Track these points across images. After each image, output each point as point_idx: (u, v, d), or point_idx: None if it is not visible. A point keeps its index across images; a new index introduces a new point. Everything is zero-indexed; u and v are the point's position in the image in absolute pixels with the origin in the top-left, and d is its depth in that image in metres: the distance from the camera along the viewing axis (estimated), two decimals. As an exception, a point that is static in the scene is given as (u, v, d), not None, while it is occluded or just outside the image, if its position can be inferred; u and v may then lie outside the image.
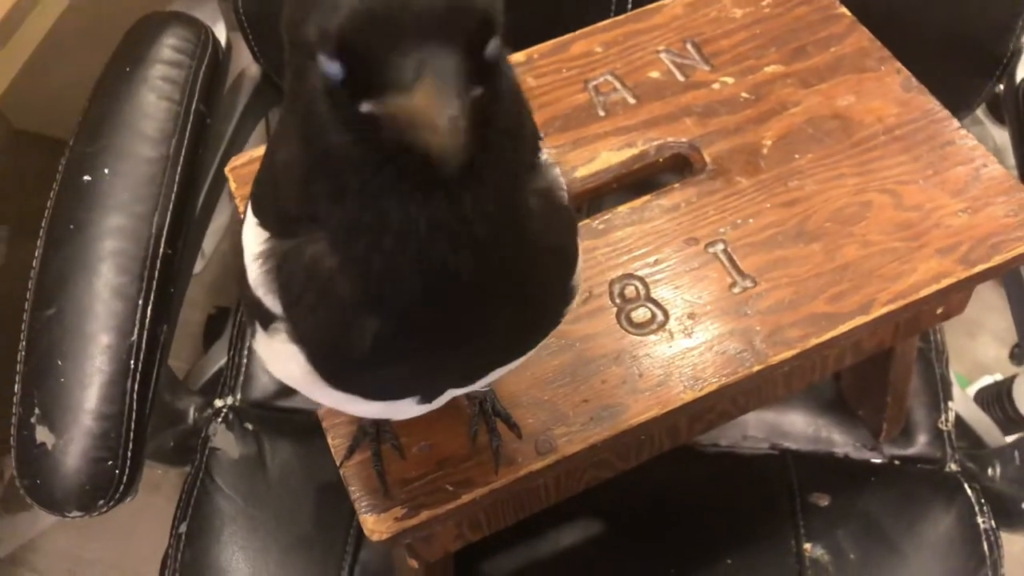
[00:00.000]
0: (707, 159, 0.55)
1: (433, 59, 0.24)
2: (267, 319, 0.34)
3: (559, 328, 0.48)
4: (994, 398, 1.02)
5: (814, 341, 0.48)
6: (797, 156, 0.55)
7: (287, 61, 0.29)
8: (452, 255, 0.29)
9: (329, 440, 0.47)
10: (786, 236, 0.52)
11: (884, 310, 0.49)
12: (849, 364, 0.59)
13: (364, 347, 0.31)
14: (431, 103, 0.24)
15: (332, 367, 0.34)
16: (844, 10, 0.61)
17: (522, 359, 0.38)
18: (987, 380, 1.10)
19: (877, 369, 0.67)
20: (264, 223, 0.34)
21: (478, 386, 0.38)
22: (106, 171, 0.65)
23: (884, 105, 0.57)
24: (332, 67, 0.26)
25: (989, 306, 1.24)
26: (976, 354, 1.24)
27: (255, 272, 0.33)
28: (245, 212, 0.36)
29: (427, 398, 0.37)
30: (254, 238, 0.34)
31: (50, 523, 1.12)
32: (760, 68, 0.59)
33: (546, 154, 0.35)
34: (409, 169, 0.27)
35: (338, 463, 0.46)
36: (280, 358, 0.34)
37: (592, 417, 0.46)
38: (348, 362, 0.33)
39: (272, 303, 0.33)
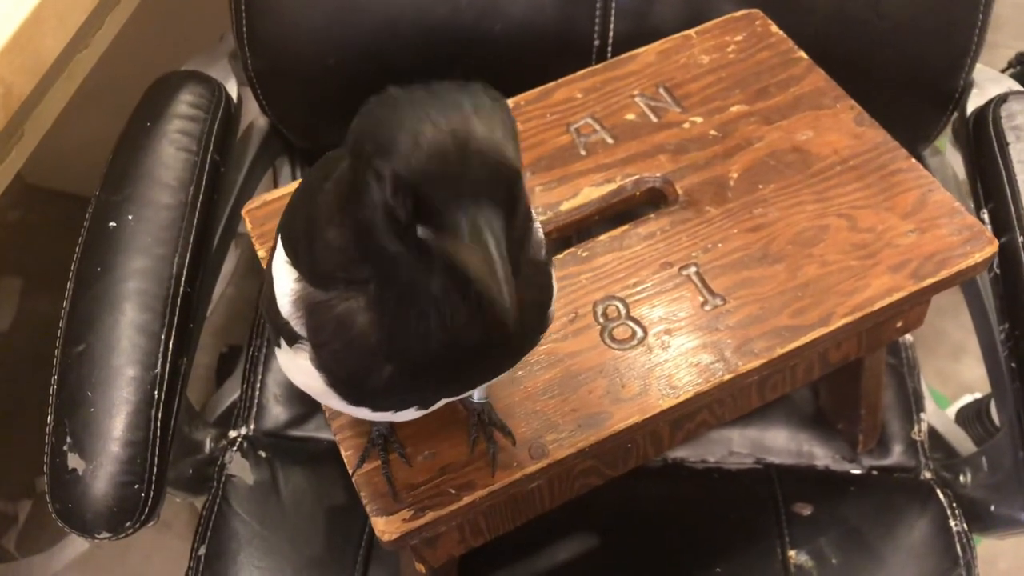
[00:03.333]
0: (679, 191, 0.61)
1: (482, 215, 0.32)
2: (293, 338, 0.39)
3: (550, 346, 0.54)
4: (974, 415, 1.06)
5: (779, 351, 0.52)
6: (761, 186, 0.60)
7: (349, 166, 0.35)
8: (471, 327, 0.36)
9: (342, 451, 0.52)
10: (752, 258, 0.57)
11: (842, 322, 0.54)
12: (819, 375, 0.64)
13: (380, 384, 0.38)
14: (484, 257, 0.31)
15: (348, 392, 0.40)
16: (802, 54, 0.68)
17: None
18: (968, 398, 1.14)
19: (851, 383, 0.71)
20: (296, 266, 0.40)
21: (468, 394, 0.44)
22: (130, 217, 0.71)
23: (839, 139, 0.62)
24: (397, 201, 0.33)
25: (971, 329, 1.29)
26: (961, 376, 1.28)
27: (287, 306, 0.39)
28: (274, 247, 0.42)
29: (425, 406, 0.43)
30: (286, 274, 0.40)
31: (64, 564, 1.15)
32: (726, 108, 0.65)
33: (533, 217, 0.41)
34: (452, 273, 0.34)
35: (350, 471, 0.51)
36: (302, 372, 0.40)
37: (580, 424, 0.51)
38: (364, 392, 0.40)
39: (300, 330, 0.39)
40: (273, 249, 0.42)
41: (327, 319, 0.38)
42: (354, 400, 0.41)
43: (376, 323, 0.37)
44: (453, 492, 0.48)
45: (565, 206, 0.61)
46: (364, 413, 0.42)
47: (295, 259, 0.40)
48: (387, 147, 0.32)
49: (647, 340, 0.54)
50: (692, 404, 0.52)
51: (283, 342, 0.41)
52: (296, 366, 0.40)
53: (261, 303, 0.52)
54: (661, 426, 0.55)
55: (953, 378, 1.27)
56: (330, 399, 0.41)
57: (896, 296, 0.54)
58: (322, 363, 0.39)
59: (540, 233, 0.43)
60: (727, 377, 0.52)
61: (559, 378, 0.53)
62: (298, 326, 0.39)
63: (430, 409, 0.43)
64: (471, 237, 0.31)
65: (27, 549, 1.18)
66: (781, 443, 0.77)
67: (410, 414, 0.42)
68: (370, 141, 0.33)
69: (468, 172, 0.31)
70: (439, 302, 0.35)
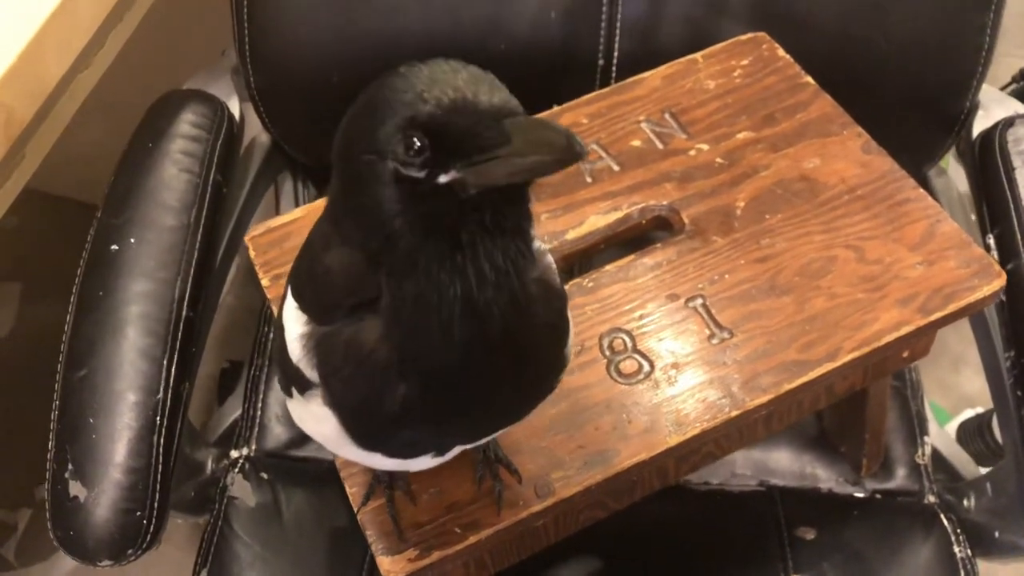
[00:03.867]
0: (686, 220, 0.60)
1: (514, 121, 0.32)
2: (305, 386, 0.39)
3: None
4: (976, 430, 1.06)
5: (787, 387, 0.52)
6: (768, 216, 0.60)
7: (339, 180, 0.35)
8: (488, 321, 0.35)
9: (347, 489, 0.51)
10: (759, 290, 0.57)
11: (850, 357, 0.53)
12: (824, 406, 0.64)
13: (394, 409, 0.37)
14: (542, 131, 0.31)
15: (361, 428, 0.39)
16: (809, 79, 0.67)
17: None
18: (969, 414, 1.14)
19: (855, 408, 0.71)
20: (304, 309, 0.39)
21: (483, 442, 0.43)
22: (132, 240, 0.70)
23: (847, 167, 0.62)
24: (419, 144, 0.32)
25: (971, 340, 1.29)
26: (961, 388, 1.28)
27: (297, 349, 0.39)
28: (284, 297, 0.41)
29: (440, 453, 0.42)
30: (295, 321, 0.39)
31: (63, 574, 1.15)
32: (733, 135, 0.64)
33: (539, 243, 0.40)
34: (469, 233, 0.33)
35: (355, 509, 0.50)
36: (314, 419, 0.39)
37: (586, 462, 0.51)
38: (376, 423, 0.38)
39: (311, 374, 0.38)
40: (283, 299, 0.42)
41: (335, 345, 0.38)
42: (366, 439, 0.39)
43: (389, 335, 0.36)
44: (459, 531, 0.48)
45: (571, 235, 0.61)
46: (377, 460, 0.41)
47: (301, 302, 0.39)
48: (390, 108, 0.32)
49: (654, 375, 0.54)
50: (699, 440, 0.52)
51: (295, 392, 0.40)
52: (308, 413, 0.40)
53: (273, 355, 0.51)
54: (667, 460, 0.54)
55: (954, 390, 1.27)
56: (343, 446, 0.40)
57: (904, 331, 0.54)
58: (333, 395, 0.38)
59: (549, 257, 0.42)
60: (734, 413, 0.52)
61: (565, 413, 0.52)
62: (308, 368, 0.39)
63: (445, 457, 0.43)
64: (525, 130, 0.31)
65: (26, 559, 1.18)
66: (784, 465, 0.77)
67: (424, 462, 0.42)
68: (365, 119, 0.33)
69: (480, 99, 0.31)
70: (464, 275, 0.33)
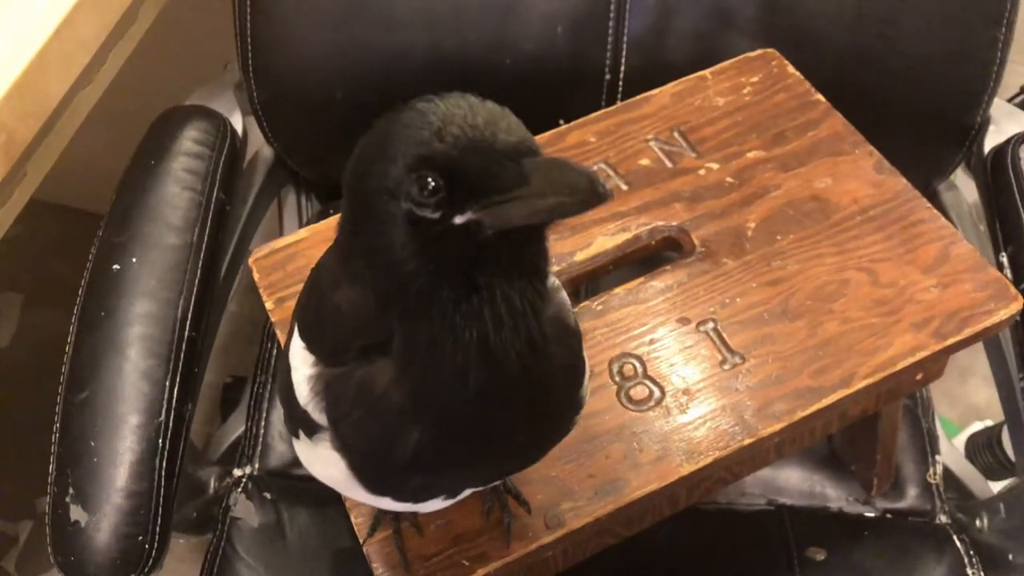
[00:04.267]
0: (696, 242, 0.60)
1: (532, 161, 0.31)
2: (313, 429, 0.38)
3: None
4: (984, 443, 1.05)
5: (800, 414, 0.51)
6: (779, 237, 0.59)
7: (350, 216, 0.34)
8: (505, 365, 0.33)
9: (352, 519, 0.51)
10: (771, 314, 0.56)
11: (864, 383, 0.52)
12: (837, 429, 0.63)
13: (406, 455, 0.35)
14: (563, 172, 0.30)
15: (372, 473, 0.38)
16: (819, 97, 0.66)
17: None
18: (978, 426, 1.13)
19: (866, 428, 0.70)
20: (311, 350, 0.38)
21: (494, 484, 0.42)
22: (134, 260, 0.69)
23: (859, 187, 0.61)
24: (434, 184, 0.31)
25: (978, 350, 1.28)
26: (968, 398, 1.27)
27: (305, 391, 0.38)
28: (290, 335, 0.40)
29: (451, 496, 0.41)
30: (303, 361, 0.38)
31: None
32: (743, 154, 0.63)
33: (553, 279, 0.39)
34: (485, 275, 0.32)
35: (361, 541, 0.49)
36: (322, 462, 0.38)
37: (597, 492, 0.50)
38: (387, 469, 0.37)
39: (319, 417, 0.37)
40: (289, 335, 0.41)
41: (346, 389, 0.36)
42: (376, 484, 0.39)
43: (401, 378, 0.35)
44: (467, 564, 0.47)
45: (579, 256, 0.60)
46: (387, 503, 0.40)
47: (310, 342, 0.38)
48: (403, 146, 0.31)
49: (665, 401, 0.53)
50: (710, 469, 0.51)
51: (302, 434, 0.39)
52: (316, 456, 0.39)
53: (278, 392, 0.50)
54: (679, 489, 0.54)
55: (961, 400, 1.26)
56: (352, 488, 0.39)
57: (919, 356, 0.53)
58: (342, 440, 0.37)
59: (563, 293, 0.41)
60: (747, 442, 0.51)
61: (575, 442, 0.52)
62: (316, 411, 0.38)
63: (456, 499, 0.42)
64: (544, 171, 0.30)
65: (28, 571, 1.17)
66: (794, 483, 0.76)
67: (435, 504, 0.41)
68: (378, 157, 0.32)
69: (498, 138, 0.31)
70: (480, 318, 0.32)
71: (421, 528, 0.49)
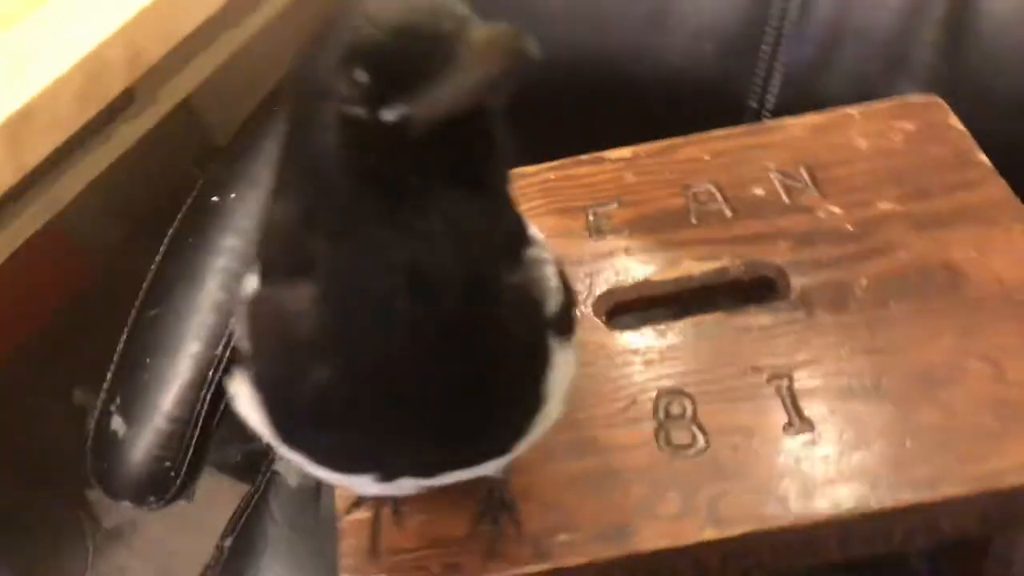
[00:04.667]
0: (793, 287, 0.52)
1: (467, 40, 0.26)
2: (240, 361, 0.34)
3: (595, 432, 0.46)
4: None
5: (859, 511, 0.43)
6: (892, 303, 0.50)
7: (288, 122, 0.30)
8: (436, 297, 0.29)
9: (336, 491, 0.47)
10: (860, 387, 0.47)
11: (953, 492, 0.43)
12: (927, 545, 0.53)
13: (309, 395, 0.31)
14: (490, 41, 0.26)
15: (279, 418, 0.33)
16: (984, 158, 0.57)
17: (484, 469, 0.36)
18: None
19: (970, 564, 0.59)
20: (257, 271, 0.35)
21: (437, 483, 0.37)
22: (233, 196, 0.70)
23: (1007, 266, 0.51)
24: (363, 76, 0.27)
25: None
26: None
27: (240, 315, 0.34)
28: None
29: (384, 478, 0.35)
30: (249, 284, 0.35)
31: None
32: (873, 203, 0.55)
33: (541, 252, 0.34)
34: (417, 182, 0.28)
35: (339, 514, 0.46)
36: (244, 402, 0.35)
37: (600, 533, 0.43)
38: (293, 413, 0.33)
39: (245, 346, 0.34)
40: None
41: (264, 313, 0.33)
42: (286, 432, 0.34)
43: (318, 306, 0.30)
44: (435, 571, 0.42)
45: (657, 276, 0.54)
46: (315, 470, 0.35)
47: (256, 259, 0.35)
48: (335, 35, 0.28)
49: (707, 453, 0.46)
50: (742, 543, 0.44)
51: (235, 369, 0.35)
52: (240, 394, 0.35)
53: None
54: (709, 557, 0.46)
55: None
56: (274, 440, 0.35)
57: (1036, 475, 0.43)
58: (256, 373, 0.33)
59: (548, 270, 0.35)
60: (788, 523, 0.43)
61: (593, 470, 0.45)
62: (243, 339, 0.34)
63: (396, 489, 0.36)
64: (471, 45, 0.25)
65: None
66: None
67: (367, 484, 0.36)
68: (311, 54, 0.28)
69: (440, 24, 0.26)
70: (411, 235, 0.28)
71: (403, 517, 0.45)
